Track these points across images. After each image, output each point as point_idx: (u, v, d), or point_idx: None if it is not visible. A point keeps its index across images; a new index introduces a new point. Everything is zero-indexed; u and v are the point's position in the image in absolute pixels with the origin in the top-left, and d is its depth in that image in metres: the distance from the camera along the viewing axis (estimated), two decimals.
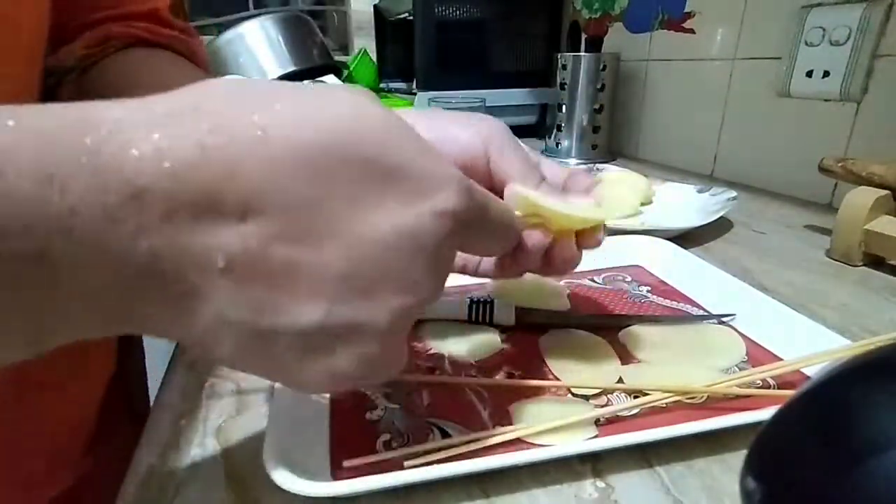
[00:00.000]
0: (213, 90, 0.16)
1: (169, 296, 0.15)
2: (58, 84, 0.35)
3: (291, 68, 1.00)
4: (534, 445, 0.24)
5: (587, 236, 0.27)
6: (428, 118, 0.30)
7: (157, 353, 0.46)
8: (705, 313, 0.36)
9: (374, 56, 1.35)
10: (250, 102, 0.15)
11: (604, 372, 0.30)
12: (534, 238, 0.25)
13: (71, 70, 0.35)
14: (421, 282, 0.17)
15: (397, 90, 1.14)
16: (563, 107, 0.92)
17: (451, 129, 0.29)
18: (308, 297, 0.16)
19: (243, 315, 0.15)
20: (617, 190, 0.27)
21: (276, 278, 0.15)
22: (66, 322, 0.14)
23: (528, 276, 0.41)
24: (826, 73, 0.62)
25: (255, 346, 0.16)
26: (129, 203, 0.13)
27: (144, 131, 0.14)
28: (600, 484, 0.23)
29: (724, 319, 0.35)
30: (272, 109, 0.15)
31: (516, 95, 1.02)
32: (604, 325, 0.35)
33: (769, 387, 0.28)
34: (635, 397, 0.27)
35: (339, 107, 0.16)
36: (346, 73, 1.15)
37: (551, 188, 0.28)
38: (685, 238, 0.49)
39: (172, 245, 0.14)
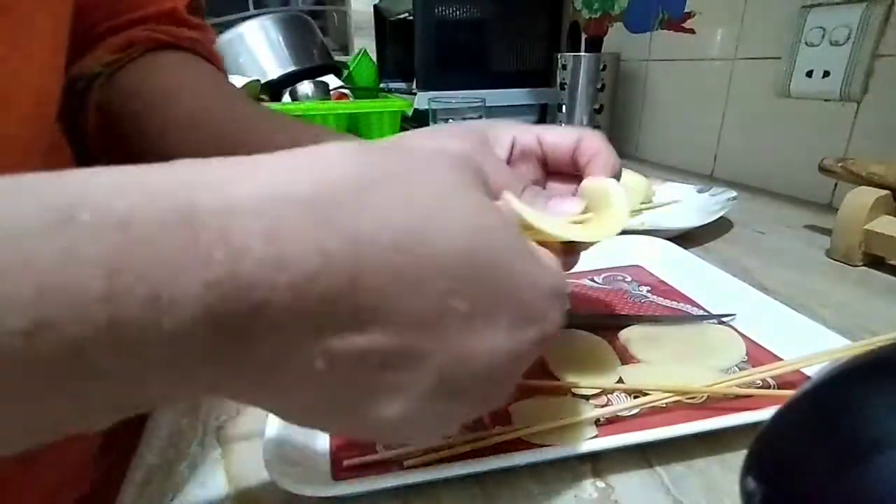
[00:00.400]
0: (331, 175, 0.15)
1: (263, 389, 0.15)
2: (87, 88, 0.35)
3: (291, 68, 1.00)
4: (534, 445, 0.24)
5: (572, 251, 0.27)
6: (391, 142, 0.30)
7: None
8: (705, 313, 0.36)
9: (374, 56, 1.35)
10: (377, 192, 0.15)
11: (604, 372, 0.30)
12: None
13: (98, 75, 0.35)
14: (502, 394, 0.18)
15: (397, 90, 1.14)
16: (563, 107, 0.92)
17: (442, 143, 0.29)
18: (399, 398, 0.15)
19: (331, 408, 0.16)
20: (612, 203, 0.27)
21: (373, 382, 0.15)
22: (153, 404, 0.15)
23: None
24: (826, 73, 0.62)
25: (339, 426, 0.17)
26: (242, 320, 0.12)
27: (259, 233, 0.13)
28: (600, 484, 0.23)
29: (724, 319, 0.35)
30: (402, 211, 0.15)
31: (516, 95, 1.02)
32: (604, 325, 0.35)
33: (769, 387, 0.28)
34: (635, 397, 0.27)
35: (465, 219, 0.16)
36: (346, 73, 1.15)
37: (535, 198, 0.28)
38: (685, 238, 0.49)
39: (279, 353, 0.14)
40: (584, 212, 0.27)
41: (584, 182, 0.29)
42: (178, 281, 0.12)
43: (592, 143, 0.29)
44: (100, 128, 0.35)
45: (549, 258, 0.19)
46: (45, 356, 0.11)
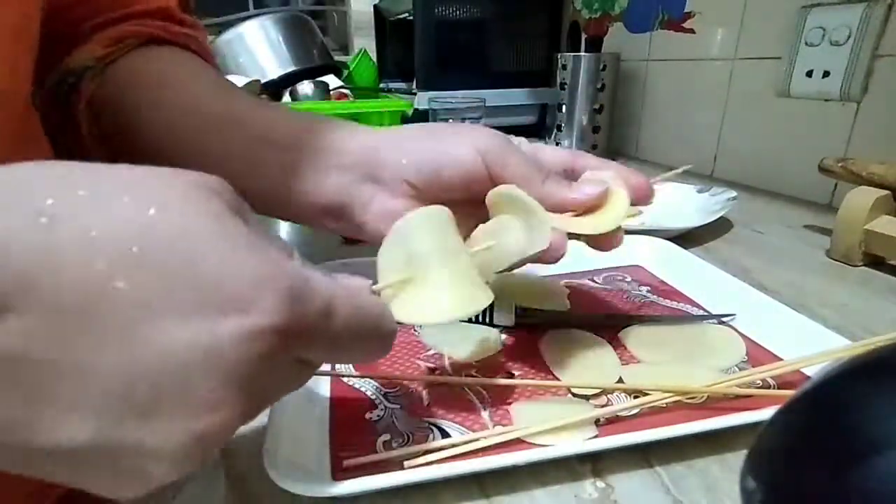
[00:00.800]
0: (24, 166, 0.14)
1: None
2: (78, 81, 0.35)
3: (291, 68, 1.00)
4: (534, 445, 0.24)
5: (601, 240, 0.28)
6: (420, 130, 0.31)
7: None
8: (705, 313, 0.36)
9: (374, 56, 1.35)
10: (45, 186, 0.13)
11: (604, 372, 0.30)
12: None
13: (88, 69, 0.35)
14: (220, 406, 0.14)
15: (397, 90, 1.14)
16: (563, 107, 0.92)
17: (443, 144, 0.29)
18: (72, 413, 0.13)
19: (3, 428, 0.13)
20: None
21: (35, 388, 0.13)
22: None
23: (529, 276, 0.41)
24: (826, 73, 0.62)
25: (25, 461, 0.14)
26: None
27: None
28: (600, 484, 0.23)
29: (724, 319, 0.35)
30: (69, 195, 0.13)
31: (516, 95, 1.02)
32: (604, 325, 0.35)
33: (769, 387, 0.28)
34: (635, 397, 0.27)
35: (138, 198, 0.14)
36: (346, 73, 1.15)
37: (559, 184, 0.29)
38: (685, 238, 0.49)
39: None
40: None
41: (586, 175, 0.29)
42: None
43: (586, 159, 0.30)
44: (93, 122, 0.35)
45: (275, 251, 0.16)
46: None
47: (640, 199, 0.30)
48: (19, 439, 0.13)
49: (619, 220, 0.27)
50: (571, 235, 0.27)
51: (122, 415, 0.14)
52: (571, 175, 0.31)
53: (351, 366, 0.31)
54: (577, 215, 0.28)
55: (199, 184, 0.16)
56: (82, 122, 0.35)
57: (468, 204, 0.30)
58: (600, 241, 0.29)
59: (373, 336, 0.19)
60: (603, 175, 0.30)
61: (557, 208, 0.28)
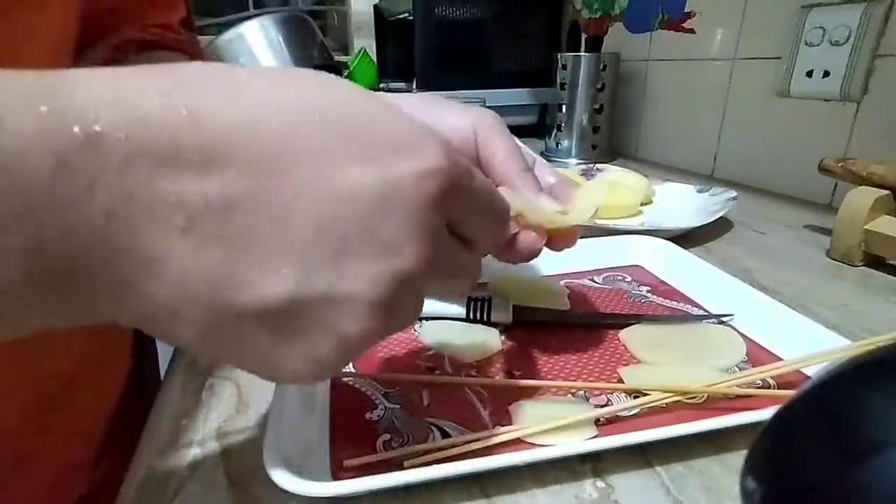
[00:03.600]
0: (189, 65, 0.15)
1: (125, 262, 0.13)
2: None
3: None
4: (534, 445, 0.24)
5: (558, 238, 0.28)
6: (421, 100, 0.30)
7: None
8: (705, 313, 0.36)
9: (374, 56, 1.35)
10: (226, 72, 0.15)
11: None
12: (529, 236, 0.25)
13: None
14: (402, 246, 0.15)
15: (397, 90, 1.14)
16: (563, 107, 0.92)
17: (442, 112, 0.29)
18: (275, 264, 0.14)
19: (202, 287, 0.14)
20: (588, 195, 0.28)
21: (239, 241, 0.14)
22: (15, 297, 0.13)
23: (529, 275, 0.41)
24: (826, 73, 0.62)
25: (220, 327, 0.14)
26: (83, 149, 0.12)
27: (102, 79, 0.13)
28: (600, 484, 0.23)
29: (724, 319, 0.35)
30: (248, 74, 0.15)
31: (516, 95, 1.02)
32: (604, 325, 0.35)
33: (769, 387, 0.28)
34: (635, 397, 0.27)
35: (315, 75, 0.16)
36: (346, 73, 1.15)
37: (532, 182, 0.28)
38: (685, 238, 0.49)
39: (129, 199, 0.13)
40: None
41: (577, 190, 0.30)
42: (22, 106, 0.12)
43: (569, 184, 0.30)
44: None
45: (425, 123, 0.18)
46: None
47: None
48: (228, 295, 0.14)
49: (576, 220, 0.28)
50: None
51: (317, 261, 0.14)
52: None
53: (351, 366, 0.31)
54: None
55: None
56: None
57: None
58: (554, 237, 0.28)
59: (500, 204, 0.21)
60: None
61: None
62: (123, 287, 0.14)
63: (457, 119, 0.29)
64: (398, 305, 0.16)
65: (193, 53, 0.44)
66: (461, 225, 0.19)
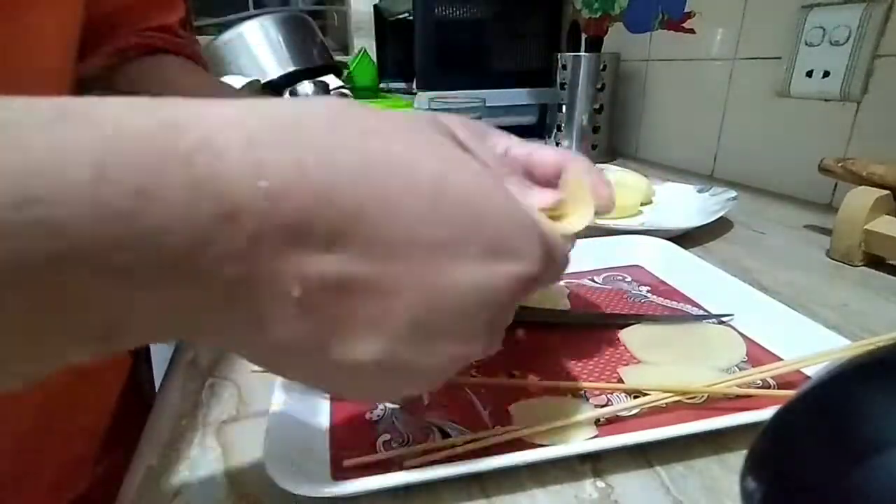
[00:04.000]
0: (314, 108, 0.15)
1: (239, 318, 0.14)
2: (87, 92, 0.37)
3: (291, 68, 1.00)
4: (534, 445, 0.24)
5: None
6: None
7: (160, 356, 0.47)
8: (705, 313, 0.36)
9: (374, 56, 1.35)
10: (354, 125, 0.15)
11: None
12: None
13: (96, 79, 0.37)
14: (481, 336, 0.17)
15: (397, 90, 1.14)
16: (563, 107, 0.92)
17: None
18: (372, 334, 0.15)
19: (305, 343, 0.15)
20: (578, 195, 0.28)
21: (346, 313, 0.15)
22: (138, 328, 0.14)
23: None
24: (826, 73, 0.62)
25: (306, 367, 0.16)
26: (221, 224, 0.13)
27: (239, 143, 0.13)
28: (600, 484, 0.23)
29: (724, 319, 0.35)
30: (380, 138, 0.15)
31: (516, 95, 1.02)
32: (604, 325, 0.35)
33: (769, 387, 0.28)
34: (635, 397, 0.27)
35: (439, 150, 0.16)
36: (346, 73, 1.15)
37: (518, 186, 0.28)
38: (685, 238, 0.49)
39: (255, 270, 0.13)
40: (561, 207, 0.28)
41: (562, 178, 0.29)
42: (162, 177, 0.12)
43: (578, 164, 0.30)
44: None
45: (529, 208, 0.19)
46: (27, 235, 0.11)
47: (601, 208, 0.30)
48: (326, 355, 0.15)
49: (581, 223, 0.27)
50: None
51: (412, 338, 0.16)
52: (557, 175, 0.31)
53: None
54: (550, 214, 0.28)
55: (448, 133, 0.18)
56: None
57: None
58: None
59: (564, 264, 0.21)
60: (566, 181, 0.30)
61: None
62: (241, 334, 0.15)
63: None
64: (461, 367, 0.18)
65: (193, 55, 0.44)
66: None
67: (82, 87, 0.36)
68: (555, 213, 0.28)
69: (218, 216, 0.13)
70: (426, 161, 0.16)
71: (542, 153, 0.30)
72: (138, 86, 0.38)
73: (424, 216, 0.15)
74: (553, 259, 0.18)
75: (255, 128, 0.14)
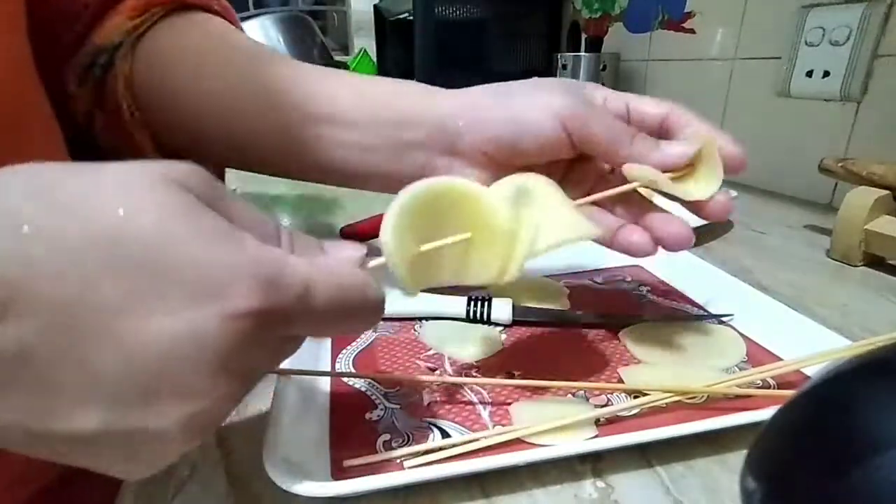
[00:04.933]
0: None
1: None
2: (110, 63, 0.34)
3: None
4: (534, 445, 0.24)
5: (701, 207, 0.28)
6: (496, 108, 0.29)
7: None
8: (705, 313, 0.36)
9: (374, 56, 1.35)
10: (26, 191, 0.15)
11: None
12: None
13: (120, 45, 0.34)
14: (211, 388, 0.16)
15: None
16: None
17: (527, 116, 0.29)
18: (81, 403, 0.15)
19: (15, 418, 0.14)
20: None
21: (44, 383, 0.14)
22: None
23: (529, 275, 0.41)
24: (826, 73, 0.62)
25: (39, 445, 0.16)
26: None
27: None
28: (600, 484, 0.23)
29: (724, 319, 0.35)
30: (45, 203, 0.14)
31: None
32: (604, 325, 0.35)
33: (769, 387, 0.28)
34: (635, 397, 0.27)
35: (112, 203, 0.15)
36: None
37: (647, 144, 0.28)
38: None
39: None
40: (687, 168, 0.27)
41: (687, 133, 0.29)
42: None
43: (683, 114, 0.29)
44: (133, 103, 0.34)
45: (249, 239, 0.17)
46: None
47: (732, 169, 0.29)
48: (39, 426, 0.15)
49: (712, 186, 0.27)
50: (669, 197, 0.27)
51: (124, 404, 0.15)
52: (664, 132, 0.30)
53: (351, 366, 0.31)
54: (674, 178, 0.28)
55: (167, 179, 0.16)
56: (122, 104, 0.34)
57: (546, 165, 0.30)
58: (701, 208, 0.28)
59: (357, 309, 0.19)
60: (697, 133, 0.29)
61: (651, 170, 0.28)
62: None
63: (538, 116, 0.28)
64: (213, 422, 0.17)
65: (221, 8, 0.40)
66: (300, 333, 0.19)
67: (104, 59, 0.34)
68: (679, 174, 0.27)
69: None
70: (100, 215, 0.15)
71: (640, 105, 0.29)
72: (172, 57, 0.34)
73: (102, 275, 0.14)
74: (279, 289, 0.16)
75: None
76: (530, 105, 0.29)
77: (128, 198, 0.15)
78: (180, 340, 0.15)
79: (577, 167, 0.33)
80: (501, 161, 0.30)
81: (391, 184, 0.32)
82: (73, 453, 0.16)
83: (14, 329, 0.14)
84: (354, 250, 0.21)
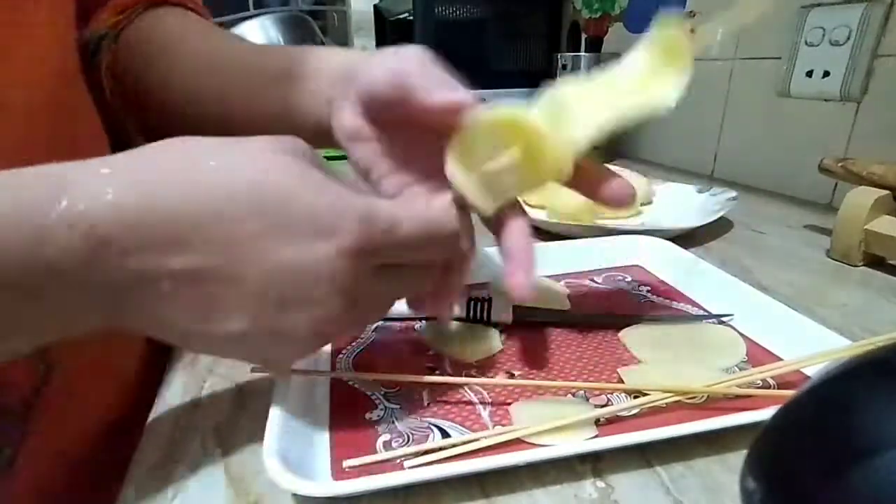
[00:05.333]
0: (158, 151, 0.21)
1: (130, 306, 0.20)
2: (97, 50, 0.37)
3: None
4: (534, 445, 0.24)
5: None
6: (382, 56, 0.31)
7: None
8: (705, 313, 0.36)
9: None
10: (187, 161, 0.20)
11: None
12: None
13: (104, 37, 0.38)
14: (329, 300, 0.21)
15: None
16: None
17: (367, 67, 0.30)
18: (233, 310, 0.20)
19: (185, 321, 0.20)
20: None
21: (207, 296, 0.20)
22: (56, 328, 0.20)
23: None
24: (826, 73, 0.62)
25: (201, 341, 0.22)
26: (96, 249, 0.18)
27: (98, 192, 0.18)
28: (600, 484, 0.23)
29: (724, 319, 0.35)
30: (202, 169, 0.20)
31: (516, 95, 1.02)
32: (604, 325, 0.35)
33: (769, 387, 0.28)
34: (635, 397, 0.27)
35: (249, 165, 0.20)
36: None
37: (451, 87, 0.29)
38: (685, 238, 0.49)
39: (128, 275, 0.19)
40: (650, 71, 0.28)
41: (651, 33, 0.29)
42: (52, 224, 0.18)
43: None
44: (116, 88, 0.38)
45: (345, 189, 0.21)
46: None
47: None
48: (202, 327, 0.20)
49: (678, 81, 0.27)
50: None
51: (267, 310, 0.20)
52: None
53: (351, 366, 0.31)
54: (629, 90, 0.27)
55: (286, 148, 0.22)
56: (106, 88, 0.37)
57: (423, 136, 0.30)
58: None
59: (434, 237, 0.23)
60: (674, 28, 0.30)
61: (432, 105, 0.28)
62: (135, 315, 0.20)
63: (378, 72, 0.29)
64: (333, 330, 0.23)
65: (195, 6, 0.44)
66: (398, 262, 0.23)
67: (92, 48, 0.37)
68: (642, 80, 0.27)
69: (93, 245, 0.18)
70: (235, 171, 0.20)
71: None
72: (145, 42, 0.39)
73: (242, 219, 0.19)
74: (373, 226, 0.21)
75: (108, 179, 0.19)
76: (374, 59, 0.31)
77: (261, 162, 0.21)
78: (305, 264, 0.20)
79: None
80: (368, 108, 0.30)
81: (307, 133, 0.33)
82: (223, 349, 0.22)
83: (185, 259, 0.19)
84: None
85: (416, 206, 0.23)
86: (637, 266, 0.44)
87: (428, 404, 0.28)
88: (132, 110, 0.39)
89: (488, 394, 0.28)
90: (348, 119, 0.31)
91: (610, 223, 0.52)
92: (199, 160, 0.20)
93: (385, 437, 0.25)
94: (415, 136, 0.30)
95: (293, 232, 0.20)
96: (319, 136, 0.34)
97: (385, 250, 0.22)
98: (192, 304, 0.20)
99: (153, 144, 0.21)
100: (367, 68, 0.30)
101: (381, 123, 0.30)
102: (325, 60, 0.34)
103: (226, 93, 0.37)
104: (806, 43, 0.64)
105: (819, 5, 0.62)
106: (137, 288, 0.19)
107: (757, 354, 0.31)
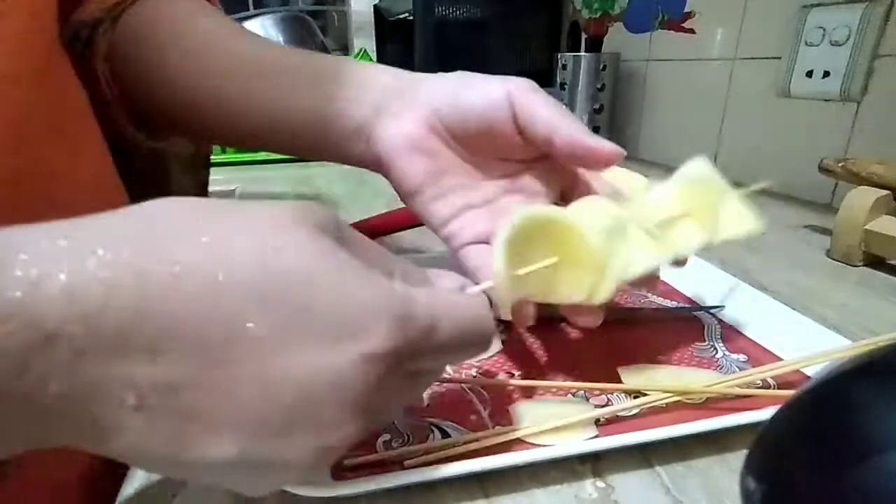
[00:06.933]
0: (131, 217, 0.16)
1: (83, 428, 0.15)
2: (91, 36, 0.34)
3: None
4: (534, 445, 0.24)
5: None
6: (449, 78, 0.31)
7: None
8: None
9: (374, 56, 1.35)
10: (171, 233, 0.15)
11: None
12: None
13: (101, 21, 0.34)
14: (344, 424, 0.16)
15: None
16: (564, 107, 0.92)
17: (476, 83, 0.30)
18: (221, 434, 0.15)
19: (158, 447, 0.15)
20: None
21: (188, 416, 0.15)
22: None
23: None
24: (826, 73, 0.62)
25: (177, 471, 0.17)
26: (37, 349, 0.13)
27: (52, 267, 0.14)
28: (600, 484, 0.23)
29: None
30: (190, 244, 0.15)
31: None
32: (604, 325, 0.35)
33: (769, 387, 0.28)
34: (635, 397, 0.27)
35: (255, 242, 0.16)
36: None
37: (582, 129, 0.28)
38: None
39: (82, 385, 0.14)
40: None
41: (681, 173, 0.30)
42: None
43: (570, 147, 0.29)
44: (112, 78, 0.35)
45: (380, 278, 0.18)
46: None
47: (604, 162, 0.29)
48: (180, 455, 0.15)
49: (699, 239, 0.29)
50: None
51: (262, 435, 0.15)
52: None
53: None
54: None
55: (306, 221, 0.17)
56: (101, 79, 0.34)
57: (493, 160, 0.31)
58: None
59: (476, 337, 0.20)
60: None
61: (579, 154, 0.28)
62: (91, 442, 0.15)
63: (489, 87, 0.29)
64: (340, 452, 0.18)
65: None
66: (423, 367, 0.20)
67: (85, 33, 0.34)
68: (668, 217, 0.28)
69: (34, 343, 0.13)
70: (242, 259, 0.15)
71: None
72: (148, 30, 0.35)
73: (247, 317, 0.15)
74: (410, 327, 0.17)
75: (65, 251, 0.14)
76: (481, 79, 0.31)
77: (272, 239, 0.16)
78: (322, 377, 0.16)
79: (543, 173, 0.32)
80: (446, 125, 0.30)
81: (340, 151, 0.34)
82: (208, 476, 0.17)
83: (165, 368, 0.14)
84: (452, 280, 0.23)
85: (454, 300, 0.20)
86: None
87: (428, 404, 0.27)
88: (129, 104, 0.36)
89: (488, 394, 0.28)
90: (409, 128, 0.30)
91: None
92: (190, 231, 0.16)
93: (385, 437, 0.25)
94: (479, 163, 0.31)
95: (309, 334, 0.15)
96: (348, 143, 0.33)
97: (419, 355, 0.18)
98: (166, 425, 0.15)
99: (131, 208, 0.16)
100: (466, 93, 0.30)
101: (451, 145, 0.31)
102: (371, 75, 0.33)
103: (253, 90, 0.34)
104: (806, 43, 0.64)
105: (819, 5, 0.62)
106: (93, 401, 0.14)
107: (757, 354, 0.31)
